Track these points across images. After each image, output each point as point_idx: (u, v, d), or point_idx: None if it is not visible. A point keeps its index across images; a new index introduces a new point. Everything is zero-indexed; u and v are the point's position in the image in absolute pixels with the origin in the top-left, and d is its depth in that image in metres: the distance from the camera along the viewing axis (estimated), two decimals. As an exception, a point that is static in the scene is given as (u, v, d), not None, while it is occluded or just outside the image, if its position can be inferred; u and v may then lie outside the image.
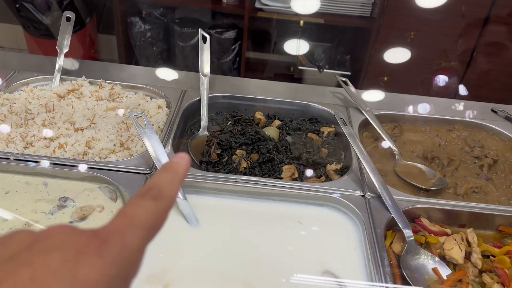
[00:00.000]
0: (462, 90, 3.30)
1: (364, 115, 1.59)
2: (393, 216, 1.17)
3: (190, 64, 3.84)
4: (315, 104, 1.63)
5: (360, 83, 3.61)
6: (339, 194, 1.24)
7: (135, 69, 1.85)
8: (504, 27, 3.20)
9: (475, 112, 1.72)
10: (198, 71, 1.65)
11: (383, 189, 1.22)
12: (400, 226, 1.15)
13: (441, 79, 3.36)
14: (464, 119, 1.64)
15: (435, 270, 1.11)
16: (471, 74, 3.40)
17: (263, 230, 1.17)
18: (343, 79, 1.73)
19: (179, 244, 1.10)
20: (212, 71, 1.65)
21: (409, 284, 1.06)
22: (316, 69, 3.86)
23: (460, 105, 1.78)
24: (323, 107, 1.62)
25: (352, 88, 1.69)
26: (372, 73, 3.56)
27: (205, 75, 1.63)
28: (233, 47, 3.78)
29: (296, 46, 3.80)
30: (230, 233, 1.16)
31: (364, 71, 3.60)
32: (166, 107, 1.55)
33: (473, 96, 3.16)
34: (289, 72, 3.96)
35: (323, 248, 1.14)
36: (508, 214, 1.24)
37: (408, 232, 1.14)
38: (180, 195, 1.17)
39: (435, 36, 3.33)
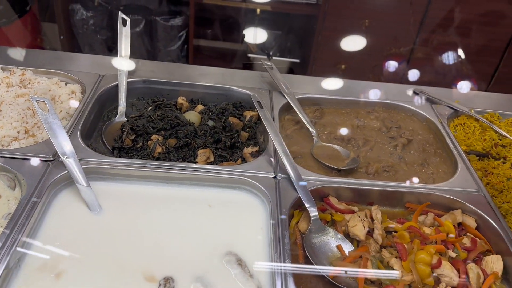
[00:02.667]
0: (404, 75, 3.38)
1: (286, 98, 1.59)
2: (299, 195, 1.18)
3: (136, 51, 3.73)
4: (237, 88, 1.62)
5: (309, 70, 3.63)
6: (251, 176, 1.24)
7: (56, 54, 1.78)
8: (444, 13, 3.27)
9: (398, 94, 1.76)
10: (146, 58, 1.60)
11: (291, 170, 1.23)
12: (305, 205, 1.16)
13: (388, 65, 3.42)
14: (385, 101, 1.67)
15: (338, 247, 1.13)
16: (415, 60, 3.48)
17: (170, 215, 1.15)
18: (269, 63, 1.73)
19: (77, 232, 1.07)
20: (160, 59, 1.61)
21: (311, 263, 1.07)
22: (265, 56, 3.85)
23: (385, 88, 1.81)
24: (245, 91, 1.61)
25: (277, 73, 1.69)
26: (320, 60, 3.59)
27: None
28: (180, 34, 3.70)
29: (246, 34, 3.78)
30: (134, 219, 1.13)
31: (312, 58, 3.62)
32: (81, 92, 1.49)
33: (418, 81, 3.24)
34: (241, 60, 3.93)
35: (230, 230, 1.14)
36: (415, 191, 1.27)
37: (312, 211, 1.15)
38: (83, 181, 1.13)
39: (381, 23, 3.38)
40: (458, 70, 3.33)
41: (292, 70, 3.88)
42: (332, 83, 1.89)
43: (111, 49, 3.79)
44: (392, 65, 3.49)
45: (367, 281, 1.05)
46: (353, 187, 1.26)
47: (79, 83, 1.53)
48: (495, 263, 1.10)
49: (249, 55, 3.83)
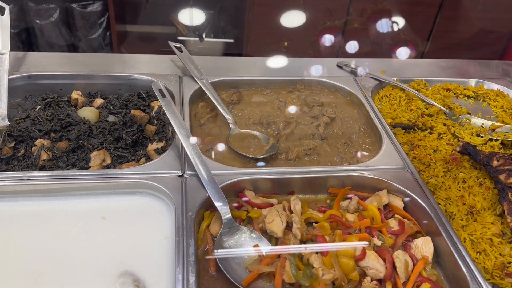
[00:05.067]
0: (341, 47, 3.31)
1: (198, 83, 1.42)
2: (209, 194, 1.03)
3: (54, 44, 3.40)
4: (139, 76, 1.43)
5: (244, 49, 3.48)
6: (153, 177, 1.08)
7: None
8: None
9: (322, 69, 1.64)
10: (66, 50, 1.37)
11: (199, 165, 1.07)
12: (215, 204, 1.02)
13: (324, 39, 3.33)
14: (306, 78, 1.55)
15: (256, 247, 0.99)
16: (350, 31, 3.38)
17: (54, 236, 0.97)
18: (177, 45, 1.55)
19: None
20: (82, 49, 1.37)
21: (223, 271, 0.93)
22: (197, 38, 3.65)
23: (308, 63, 1.69)
24: (149, 78, 1.43)
25: (187, 55, 1.52)
26: (254, 39, 3.44)
27: (2, 54, 1.35)
28: (101, 21, 3.40)
29: (174, 15, 3.55)
30: (10, 245, 0.94)
31: (245, 37, 3.46)
32: None
33: (356, 53, 3.18)
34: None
35: (128, 245, 0.97)
36: (339, 175, 1.16)
37: (224, 209, 1.01)
38: None
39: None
40: (394, 35, 3.28)
41: (228, 49, 3.72)
42: (254, 62, 1.75)
43: (25, 43, 3.45)
44: (327, 38, 3.40)
45: (286, 284, 0.93)
46: (271, 177, 1.13)
47: None
48: (424, 246, 1.01)
49: (180, 37, 3.60)
